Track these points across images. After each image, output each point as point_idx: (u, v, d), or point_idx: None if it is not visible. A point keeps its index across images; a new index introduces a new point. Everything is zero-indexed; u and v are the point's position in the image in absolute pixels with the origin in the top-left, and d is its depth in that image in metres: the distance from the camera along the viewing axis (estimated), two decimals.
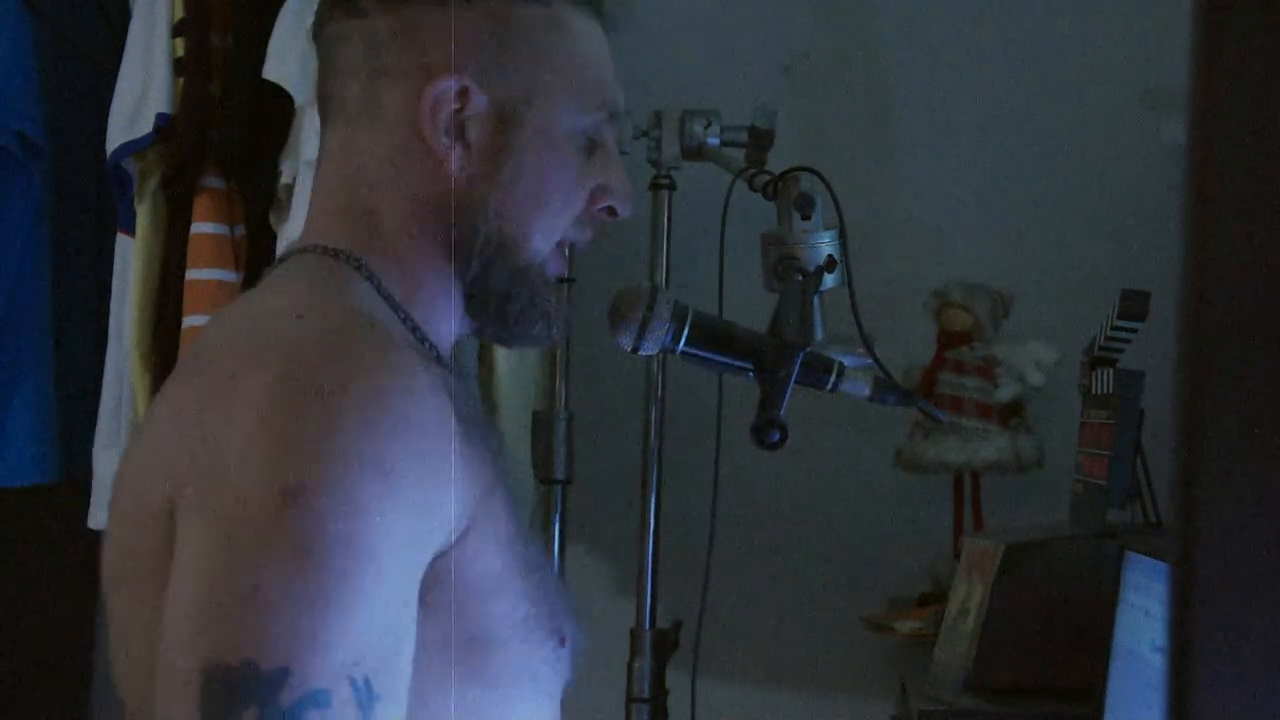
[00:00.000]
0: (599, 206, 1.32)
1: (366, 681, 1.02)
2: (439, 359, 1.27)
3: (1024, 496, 2.67)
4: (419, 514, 1.08)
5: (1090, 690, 1.79)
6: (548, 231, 1.29)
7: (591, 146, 1.30)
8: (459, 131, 1.24)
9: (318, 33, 1.31)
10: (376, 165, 1.26)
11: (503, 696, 1.19)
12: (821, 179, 1.80)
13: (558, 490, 2.44)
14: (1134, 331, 2.08)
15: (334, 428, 1.04)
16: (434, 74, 1.24)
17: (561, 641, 1.22)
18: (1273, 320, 0.62)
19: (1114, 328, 2.08)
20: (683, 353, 1.42)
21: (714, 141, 2.38)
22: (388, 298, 1.25)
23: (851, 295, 1.76)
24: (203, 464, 1.07)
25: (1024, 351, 2.58)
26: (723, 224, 2.01)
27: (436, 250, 1.26)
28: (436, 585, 1.12)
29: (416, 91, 1.24)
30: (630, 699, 2.40)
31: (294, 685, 1.00)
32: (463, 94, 1.24)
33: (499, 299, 1.28)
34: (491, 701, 1.18)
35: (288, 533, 1.02)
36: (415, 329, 1.26)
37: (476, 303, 1.29)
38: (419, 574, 1.10)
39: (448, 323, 1.29)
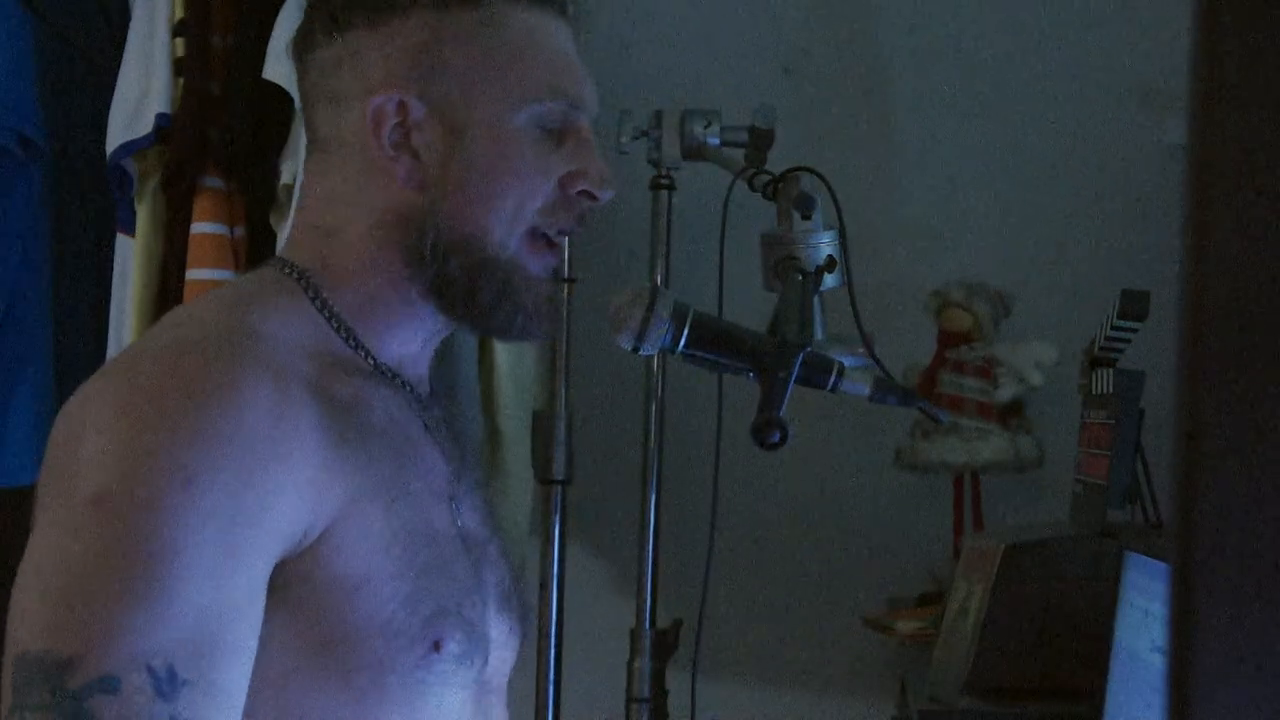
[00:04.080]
0: (574, 191, 1.32)
1: (170, 670, 1.08)
2: (377, 368, 1.30)
3: (1024, 496, 2.68)
4: (239, 518, 1.12)
5: (1090, 690, 1.79)
6: (508, 223, 1.30)
7: (559, 135, 1.32)
8: (404, 143, 1.29)
9: (295, 66, 1.37)
10: (339, 185, 1.32)
11: (367, 696, 1.20)
12: (821, 179, 1.79)
13: (557, 490, 2.44)
14: (1134, 331, 2.08)
15: (142, 437, 1.12)
16: (373, 92, 1.29)
17: (435, 646, 1.22)
18: (1272, 320, 0.62)
19: (1114, 328, 2.08)
20: (683, 353, 1.42)
21: (714, 141, 2.37)
22: (329, 312, 1.29)
23: (851, 295, 1.76)
24: (52, 461, 1.18)
25: (1024, 351, 2.58)
26: (723, 224, 2.01)
27: (392, 261, 1.30)
28: (290, 584, 1.17)
29: (362, 111, 1.29)
30: (630, 699, 2.40)
31: (83, 670, 1.07)
32: (401, 107, 1.29)
33: (464, 294, 1.31)
34: (354, 700, 1.20)
35: (95, 534, 1.10)
36: (354, 340, 1.29)
37: (446, 301, 1.32)
38: (255, 574, 1.14)
39: (408, 331, 1.33)
